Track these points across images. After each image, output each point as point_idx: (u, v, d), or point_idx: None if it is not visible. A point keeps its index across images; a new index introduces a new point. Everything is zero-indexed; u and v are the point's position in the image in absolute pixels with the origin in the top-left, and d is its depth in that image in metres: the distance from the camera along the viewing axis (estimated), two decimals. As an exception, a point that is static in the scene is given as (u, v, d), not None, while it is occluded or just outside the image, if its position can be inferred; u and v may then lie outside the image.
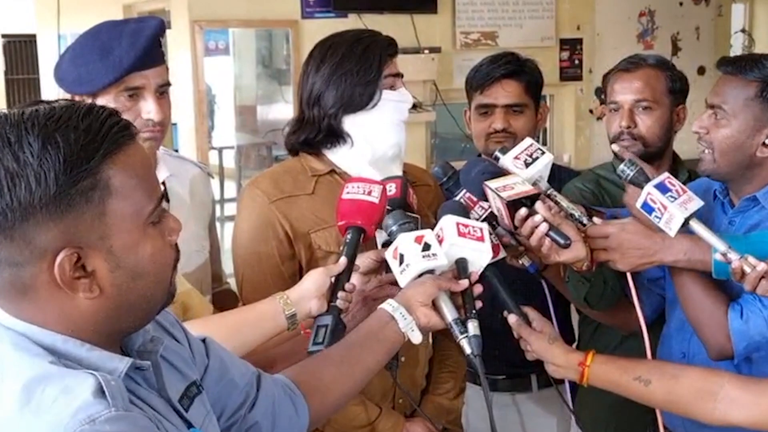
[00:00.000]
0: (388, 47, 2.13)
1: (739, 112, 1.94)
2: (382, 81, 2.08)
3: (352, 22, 6.01)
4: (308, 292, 1.80)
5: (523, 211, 1.87)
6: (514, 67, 2.69)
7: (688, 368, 1.89)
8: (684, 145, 2.64)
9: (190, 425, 1.24)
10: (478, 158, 2.25)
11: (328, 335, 1.70)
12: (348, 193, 1.85)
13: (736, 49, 8.63)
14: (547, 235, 1.86)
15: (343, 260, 1.80)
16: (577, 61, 7.07)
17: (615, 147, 2.31)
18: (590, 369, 1.87)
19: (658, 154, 2.46)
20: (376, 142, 2.10)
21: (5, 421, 1.05)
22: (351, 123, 2.09)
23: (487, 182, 1.91)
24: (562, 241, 1.86)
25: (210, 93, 7.85)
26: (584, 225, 1.96)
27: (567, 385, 2.15)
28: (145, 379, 1.20)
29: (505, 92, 2.66)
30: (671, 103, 2.48)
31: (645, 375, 1.82)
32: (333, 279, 1.79)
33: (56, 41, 7.92)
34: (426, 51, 6.27)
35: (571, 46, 7.09)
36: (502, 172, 1.97)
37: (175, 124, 6.47)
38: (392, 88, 2.11)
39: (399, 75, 2.14)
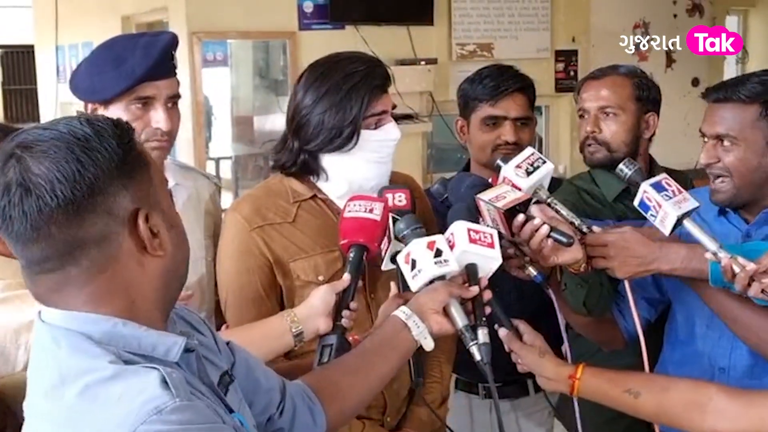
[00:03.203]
0: (377, 86, 2.05)
1: (748, 136, 1.97)
2: (362, 122, 2.02)
3: (349, 33, 6.05)
4: (316, 310, 1.80)
5: (521, 217, 1.90)
6: (525, 81, 2.76)
7: (677, 380, 1.90)
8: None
9: (231, 410, 1.28)
10: (464, 173, 2.28)
11: (333, 355, 1.71)
12: (350, 211, 1.85)
13: (730, 61, 8.67)
14: (549, 236, 1.89)
15: (346, 276, 1.80)
16: (572, 73, 7.11)
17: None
18: (580, 382, 1.89)
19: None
20: (353, 179, 2.08)
21: (71, 417, 1.10)
22: (328, 160, 2.08)
23: (478, 195, 1.93)
24: (565, 240, 1.88)
25: (207, 104, 7.85)
26: (584, 233, 1.99)
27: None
28: (189, 365, 1.25)
29: (516, 105, 2.71)
30: (638, 110, 2.52)
31: (635, 387, 1.84)
32: (337, 296, 1.80)
33: (54, 52, 7.94)
34: (422, 62, 6.30)
35: (567, 57, 7.14)
36: (489, 185, 2.00)
37: (172, 135, 6.48)
38: (377, 125, 2.06)
39: (386, 111, 2.08)
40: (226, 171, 8.27)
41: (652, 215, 1.92)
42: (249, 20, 5.88)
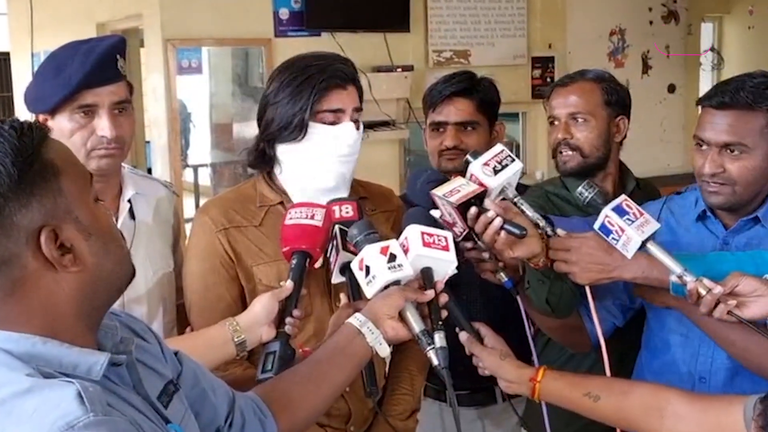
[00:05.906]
0: (333, 81, 2.05)
1: (759, 142, 1.95)
2: (311, 114, 2.03)
3: (325, 40, 6.04)
4: (258, 318, 1.80)
5: (473, 210, 1.88)
6: (466, 85, 2.71)
7: (637, 384, 1.90)
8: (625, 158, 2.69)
9: (167, 421, 1.26)
10: (419, 169, 2.26)
11: (276, 362, 1.69)
12: (291, 218, 1.85)
13: (706, 67, 8.74)
14: (502, 228, 1.86)
15: (289, 283, 1.79)
16: (549, 79, 7.12)
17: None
18: (541, 384, 1.88)
19: (599, 165, 2.51)
20: (305, 173, 2.09)
21: None
22: (282, 150, 2.09)
23: (433, 191, 1.92)
24: (518, 232, 1.85)
25: (185, 111, 7.81)
26: (548, 236, 1.98)
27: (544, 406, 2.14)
28: (121, 377, 1.23)
29: (456, 110, 2.69)
30: (608, 114, 2.51)
31: (594, 391, 1.84)
32: (281, 304, 1.78)
33: (30, 59, 7.90)
34: (399, 69, 6.30)
35: (543, 64, 7.16)
36: (446, 179, 1.98)
37: (148, 142, 6.45)
38: (333, 123, 2.06)
39: (343, 110, 2.06)
40: (205, 178, 8.25)
41: (614, 239, 1.91)
42: (224, 27, 5.86)
